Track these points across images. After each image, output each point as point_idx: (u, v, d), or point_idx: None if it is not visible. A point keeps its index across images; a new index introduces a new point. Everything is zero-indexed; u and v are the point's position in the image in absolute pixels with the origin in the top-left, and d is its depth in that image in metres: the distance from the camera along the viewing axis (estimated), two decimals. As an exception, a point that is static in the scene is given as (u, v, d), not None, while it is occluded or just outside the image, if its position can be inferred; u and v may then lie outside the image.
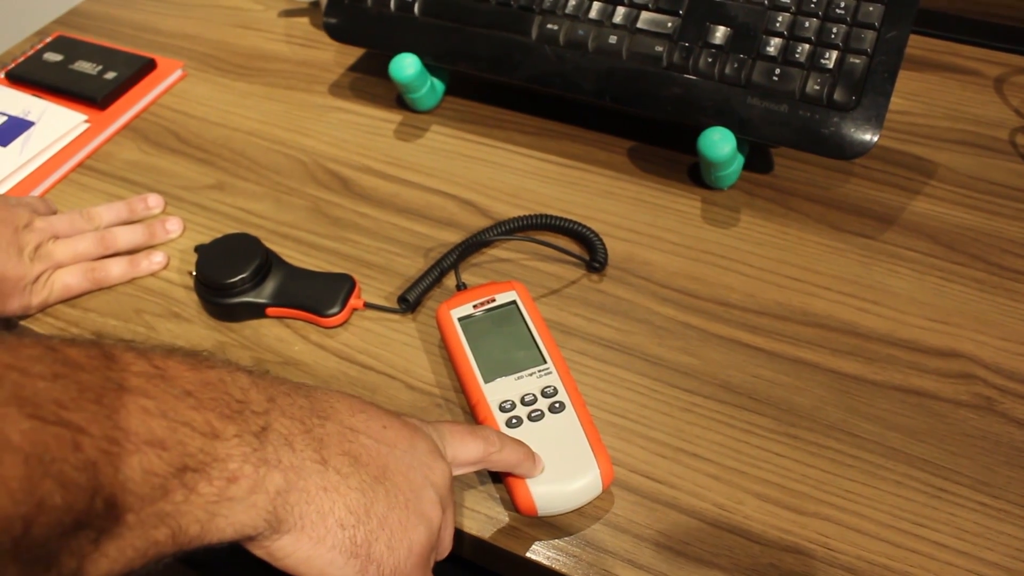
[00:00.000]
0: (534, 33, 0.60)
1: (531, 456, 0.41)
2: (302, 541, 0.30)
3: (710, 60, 0.56)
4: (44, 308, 0.53)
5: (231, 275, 0.52)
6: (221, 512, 0.27)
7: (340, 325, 0.52)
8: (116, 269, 0.55)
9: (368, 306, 0.53)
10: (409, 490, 0.34)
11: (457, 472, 0.39)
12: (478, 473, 0.45)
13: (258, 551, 0.31)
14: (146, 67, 0.73)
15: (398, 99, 0.69)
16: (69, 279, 0.53)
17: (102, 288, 0.55)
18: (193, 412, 0.27)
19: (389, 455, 0.34)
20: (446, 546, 0.38)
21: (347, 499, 0.31)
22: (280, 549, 0.30)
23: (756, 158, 0.61)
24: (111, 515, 0.24)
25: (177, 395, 0.27)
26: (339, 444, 0.32)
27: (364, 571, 0.32)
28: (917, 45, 0.69)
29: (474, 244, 0.55)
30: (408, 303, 0.52)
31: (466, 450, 0.39)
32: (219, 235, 0.55)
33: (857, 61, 0.53)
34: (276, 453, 0.29)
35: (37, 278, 0.52)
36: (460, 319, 0.48)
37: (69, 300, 0.54)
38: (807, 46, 0.54)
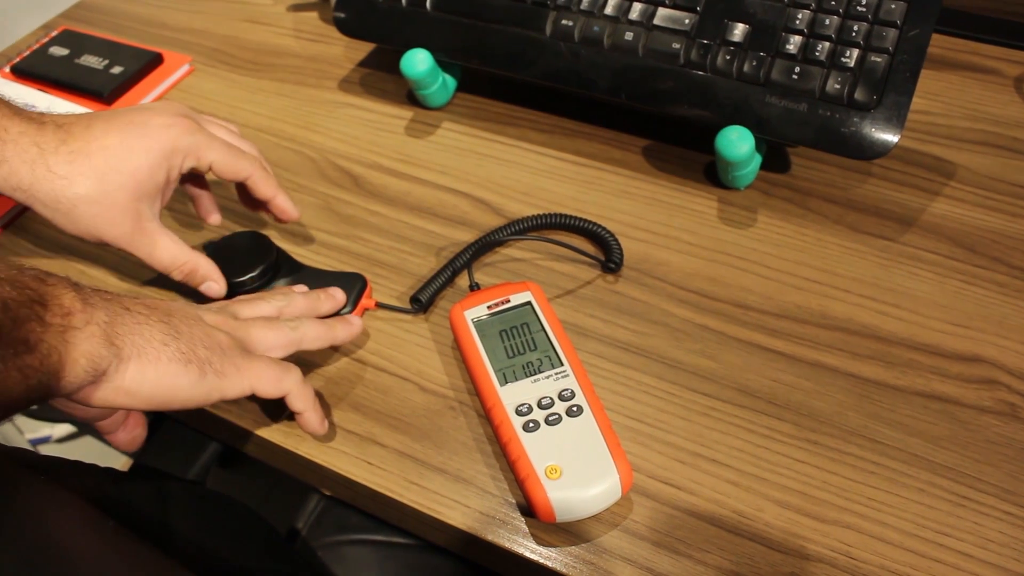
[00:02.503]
0: (548, 29, 0.59)
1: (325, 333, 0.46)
2: (144, 365, 0.36)
3: (728, 58, 0.55)
4: None
5: (240, 274, 0.51)
6: (71, 340, 0.33)
7: (352, 325, 0.51)
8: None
9: (380, 306, 0.52)
10: (194, 323, 0.40)
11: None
12: (495, 479, 0.44)
13: (121, 398, 0.36)
14: (153, 62, 0.72)
15: (409, 95, 0.68)
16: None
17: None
18: (21, 275, 0.33)
19: (169, 306, 0.41)
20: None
21: (155, 328, 0.38)
22: (133, 380, 0.36)
23: (773, 157, 0.60)
24: None
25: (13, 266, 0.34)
26: (131, 303, 0.38)
27: (203, 371, 0.38)
28: (936, 44, 0.68)
29: (487, 244, 0.54)
30: (421, 303, 0.51)
31: (255, 308, 0.46)
32: (228, 233, 0.54)
33: (878, 60, 0.52)
34: (92, 297, 0.35)
35: None
36: (474, 320, 0.47)
37: None
38: (827, 44, 0.53)
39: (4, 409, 0.30)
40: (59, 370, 0.32)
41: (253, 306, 0.47)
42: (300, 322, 0.46)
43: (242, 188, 0.52)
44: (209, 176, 0.52)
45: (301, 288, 0.51)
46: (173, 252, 0.47)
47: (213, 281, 0.49)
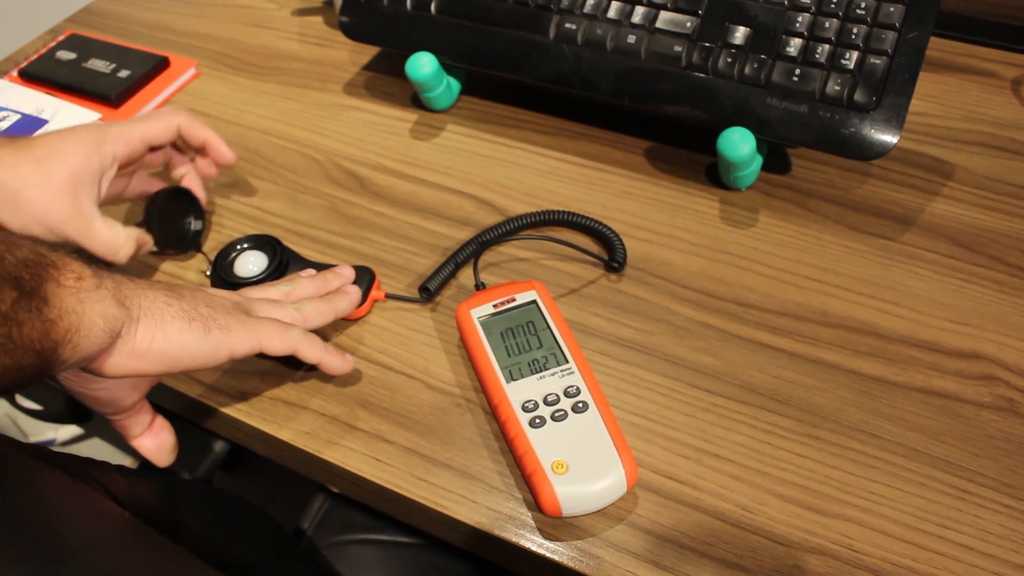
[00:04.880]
0: (552, 32, 0.60)
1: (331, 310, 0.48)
2: (151, 324, 0.38)
3: (729, 60, 0.56)
4: None
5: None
6: (85, 301, 0.34)
7: (363, 317, 0.52)
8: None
9: (390, 297, 0.53)
10: (196, 289, 0.43)
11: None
12: (501, 474, 0.45)
13: (134, 361, 0.37)
14: (159, 66, 0.73)
15: (413, 98, 0.69)
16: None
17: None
18: (35, 244, 0.35)
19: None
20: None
21: (158, 292, 0.40)
22: (143, 340, 0.37)
23: (773, 158, 0.61)
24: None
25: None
26: (132, 276, 0.40)
27: (207, 327, 0.40)
28: (934, 47, 0.69)
29: (496, 236, 0.55)
30: (429, 292, 0.52)
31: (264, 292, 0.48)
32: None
33: (878, 62, 0.53)
34: (100, 269, 0.37)
35: None
36: (480, 319, 0.48)
37: None
38: (827, 47, 0.54)
39: (35, 362, 0.32)
40: (79, 328, 0.33)
41: (259, 290, 0.48)
42: (303, 303, 0.47)
43: (176, 157, 0.57)
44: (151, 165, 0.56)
45: (308, 272, 0.52)
46: (108, 235, 0.49)
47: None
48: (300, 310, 0.46)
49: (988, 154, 0.60)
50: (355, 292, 0.50)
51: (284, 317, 0.45)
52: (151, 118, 0.52)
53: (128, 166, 0.53)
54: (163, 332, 0.38)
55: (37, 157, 0.47)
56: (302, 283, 0.49)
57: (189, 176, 0.57)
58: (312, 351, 0.45)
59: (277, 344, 0.43)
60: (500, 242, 0.56)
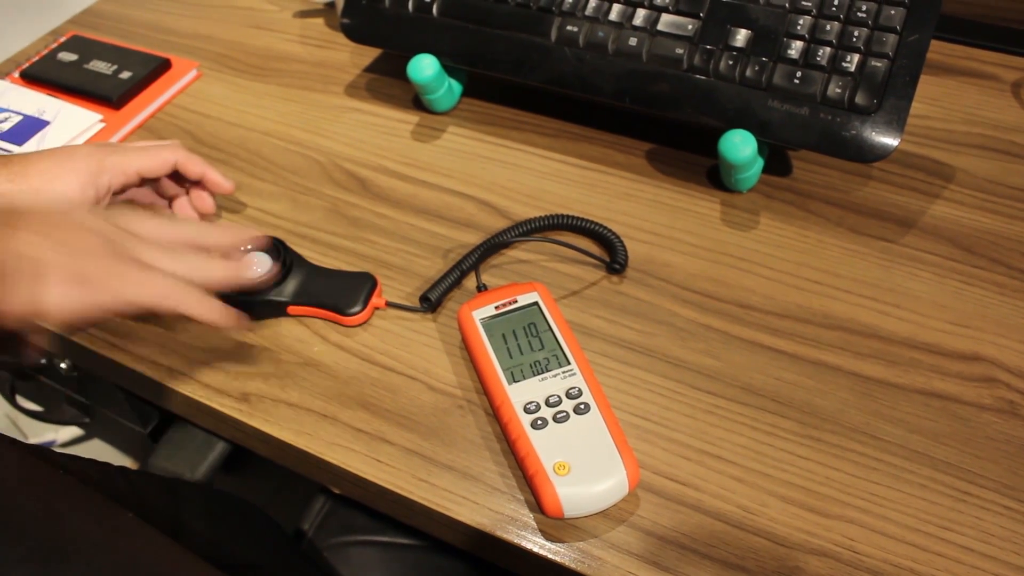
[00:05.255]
0: (553, 35, 0.60)
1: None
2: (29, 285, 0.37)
3: (731, 63, 0.56)
4: None
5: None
6: None
7: (362, 324, 0.52)
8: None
9: (390, 305, 0.53)
10: (72, 228, 0.40)
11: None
12: (503, 475, 0.45)
13: None
14: (161, 67, 0.73)
15: (415, 100, 0.69)
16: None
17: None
18: None
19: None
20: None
21: (32, 246, 0.38)
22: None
23: (774, 161, 0.61)
24: None
25: None
26: None
27: (82, 284, 0.38)
28: (935, 50, 0.69)
29: (496, 244, 0.55)
30: (430, 302, 0.52)
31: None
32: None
33: (879, 65, 0.53)
34: None
35: None
36: (482, 320, 0.48)
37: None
38: (828, 49, 0.54)
39: None
40: None
41: (134, 217, 0.44)
42: (184, 256, 0.43)
43: (168, 184, 0.57)
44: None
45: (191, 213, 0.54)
46: None
47: None
48: (183, 262, 0.43)
49: (988, 157, 0.61)
50: (243, 265, 0.49)
51: (169, 266, 0.42)
52: (148, 152, 0.53)
53: (120, 193, 0.54)
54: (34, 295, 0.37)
55: (35, 186, 0.47)
56: (182, 226, 0.46)
57: (180, 202, 0.58)
58: (192, 306, 0.41)
59: (155, 302, 0.40)
60: (503, 247, 0.56)
